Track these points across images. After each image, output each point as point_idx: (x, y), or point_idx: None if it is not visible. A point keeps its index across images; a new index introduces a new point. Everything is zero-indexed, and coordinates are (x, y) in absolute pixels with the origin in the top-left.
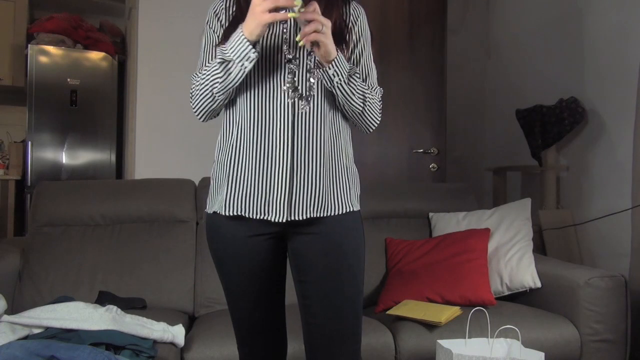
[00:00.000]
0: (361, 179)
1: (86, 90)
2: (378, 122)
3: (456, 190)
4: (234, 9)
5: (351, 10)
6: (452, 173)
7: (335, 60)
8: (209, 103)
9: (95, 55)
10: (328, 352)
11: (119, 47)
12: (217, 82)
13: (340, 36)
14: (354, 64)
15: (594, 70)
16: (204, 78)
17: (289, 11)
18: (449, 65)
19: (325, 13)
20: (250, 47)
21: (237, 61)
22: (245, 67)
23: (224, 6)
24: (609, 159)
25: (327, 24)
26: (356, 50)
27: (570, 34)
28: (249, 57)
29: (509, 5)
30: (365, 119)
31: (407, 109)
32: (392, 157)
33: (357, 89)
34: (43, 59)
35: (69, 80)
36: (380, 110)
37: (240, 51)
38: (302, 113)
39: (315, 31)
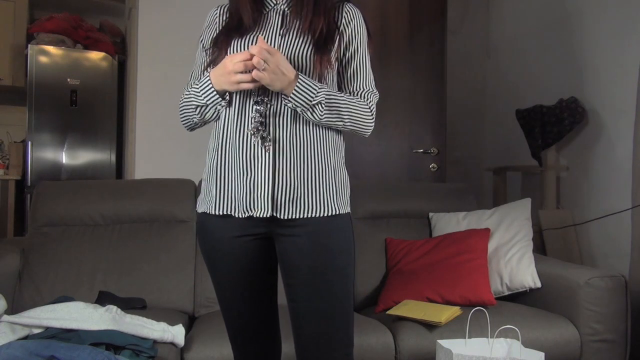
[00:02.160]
0: (361, 178)
1: (86, 90)
2: (369, 129)
3: (456, 190)
4: (227, 15)
5: (344, 13)
6: (452, 173)
7: (294, 93)
8: (193, 123)
9: (95, 55)
10: (318, 356)
11: (119, 47)
12: (196, 117)
13: (328, 38)
14: (346, 66)
15: (594, 70)
16: (186, 108)
17: None
18: (449, 65)
19: (313, 14)
20: (220, 98)
21: (210, 105)
22: (219, 109)
23: (218, 13)
24: (609, 159)
25: (273, 59)
26: (348, 53)
27: (570, 34)
28: (222, 103)
29: (509, 6)
30: (352, 130)
31: (407, 109)
32: (392, 157)
33: (331, 111)
34: (43, 59)
35: (69, 80)
36: (370, 118)
37: (213, 100)
38: (286, 110)
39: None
